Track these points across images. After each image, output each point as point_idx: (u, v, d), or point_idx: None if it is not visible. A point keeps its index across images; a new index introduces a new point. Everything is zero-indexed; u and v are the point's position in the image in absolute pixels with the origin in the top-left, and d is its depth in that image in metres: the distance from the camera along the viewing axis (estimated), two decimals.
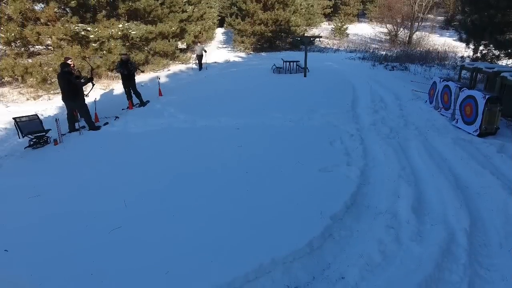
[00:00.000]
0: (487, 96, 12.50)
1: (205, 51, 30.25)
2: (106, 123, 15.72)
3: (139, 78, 24.22)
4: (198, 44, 30.83)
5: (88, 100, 15.29)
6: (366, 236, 7.49)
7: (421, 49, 36.93)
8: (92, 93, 17.44)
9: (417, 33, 46.52)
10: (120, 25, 24.10)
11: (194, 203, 8.60)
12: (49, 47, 23.12)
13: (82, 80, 15.00)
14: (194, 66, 31.11)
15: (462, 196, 8.86)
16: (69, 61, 14.94)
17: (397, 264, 6.60)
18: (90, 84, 15.68)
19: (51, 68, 21.30)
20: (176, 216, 8.08)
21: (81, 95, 14.79)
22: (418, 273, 6.34)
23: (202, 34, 38.78)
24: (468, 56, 23.06)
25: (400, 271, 6.43)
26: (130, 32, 24.84)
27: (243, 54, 38.39)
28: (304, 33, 42.04)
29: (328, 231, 7.46)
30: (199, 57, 29.95)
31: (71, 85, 14.33)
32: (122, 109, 17.84)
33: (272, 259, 6.49)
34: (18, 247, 7.20)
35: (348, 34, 53.01)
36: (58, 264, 6.61)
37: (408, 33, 46.56)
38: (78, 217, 8.19)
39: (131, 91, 18.35)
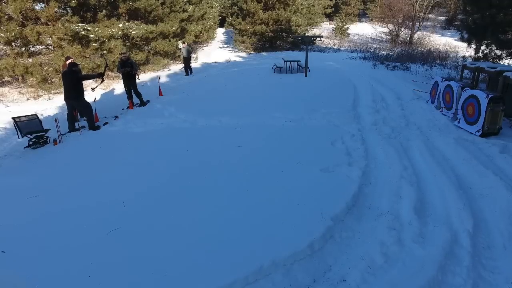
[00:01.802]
0: (489, 96, 12.40)
1: (189, 54, 28.27)
2: (106, 123, 15.68)
3: (140, 78, 24.21)
4: (183, 45, 28.41)
5: (89, 98, 15.25)
6: (367, 237, 7.39)
7: (423, 49, 36.87)
8: (92, 93, 17.42)
9: (418, 33, 46.53)
10: (121, 25, 24.06)
11: (193, 204, 8.53)
12: (50, 47, 23.14)
13: (91, 73, 15.05)
14: (181, 71, 29.18)
15: (465, 196, 8.78)
16: (69, 61, 14.96)
17: (399, 267, 6.51)
18: (99, 80, 15.71)
19: (51, 68, 21.31)
20: (175, 217, 8.00)
21: (83, 95, 14.75)
22: (421, 275, 6.25)
23: (203, 33, 38.74)
24: (470, 56, 23.01)
25: (402, 273, 6.33)
26: (131, 32, 24.80)
27: (243, 54, 38.36)
28: (305, 33, 42.01)
29: (329, 233, 7.37)
30: (186, 60, 27.96)
31: (75, 83, 14.36)
32: (122, 109, 17.80)
33: (272, 261, 6.40)
34: (15, 248, 7.13)
35: (349, 34, 53.01)
36: (55, 266, 6.53)
37: (409, 33, 46.52)
38: (77, 218, 8.13)
39: (132, 90, 18.28)
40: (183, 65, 28.59)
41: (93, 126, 14.97)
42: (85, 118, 15.11)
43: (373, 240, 7.26)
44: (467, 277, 6.31)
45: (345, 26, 52.74)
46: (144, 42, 27.82)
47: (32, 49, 22.93)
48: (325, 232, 7.28)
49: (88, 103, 14.94)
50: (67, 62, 15.05)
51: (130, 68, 17.82)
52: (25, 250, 7.04)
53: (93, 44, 22.83)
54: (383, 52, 36.23)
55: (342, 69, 27.13)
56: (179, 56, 29.17)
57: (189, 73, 28.14)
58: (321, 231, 7.25)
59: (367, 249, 7.01)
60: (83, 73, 18.05)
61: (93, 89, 16.00)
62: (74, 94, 14.53)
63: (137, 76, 18.90)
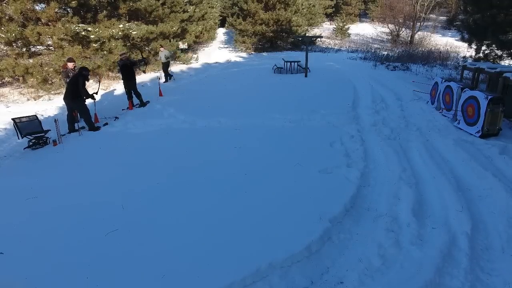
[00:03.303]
0: (489, 97, 12.38)
1: (168, 58, 25.62)
2: (106, 124, 15.74)
3: (140, 78, 24.23)
4: (162, 49, 25.79)
5: (88, 100, 15.26)
6: (365, 239, 7.38)
7: (423, 49, 36.81)
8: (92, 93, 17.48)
9: (419, 33, 46.45)
10: (121, 25, 24.01)
11: (192, 207, 8.53)
12: (50, 47, 23.11)
13: (90, 93, 15.04)
14: (161, 79, 24.36)
15: (464, 198, 8.77)
16: (71, 63, 15.01)
17: (396, 269, 6.51)
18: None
19: (51, 69, 21.26)
20: (174, 219, 8.01)
21: (81, 98, 14.72)
22: (418, 278, 6.24)
23: (204, 34, 38.71)
24: (471, 56, 22.98)
25: (400, 275, 6.33)
26: (131, 32, 24.75)
27: (244, 54, 38.29)
28: (305, 33, 41.99)
29: (327, 235, 7.37)
30: (165, 65, 25.64)
31: (76, 86, 14.32)
32: (122, 110, 17.84)
33: (269, 263, 6.41)
34: (14, 249, 7.14)
35: (350, 34, 52.90)
36: (53, 267, 6.54)
37: (410, 33, 46.47)
38: (75, 219, 8.15)
39: (132, 91, 18.27)
40: (162, 70, 26.34)
41: (93, 127, 15.03)
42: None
43: (371, 242, 7.26)
44: (464, 279, 6.29)
45: (346, 26, 52.64)
46: (145, 43, 27.79)
47: (32, 49, 22.90)
48: (323, 234, 7.28)
49: (84, 104, 14.98)
50: (69, 63, 15.11)
51: (143, 60, 18.08)
52: (23, 251, 7.04)
53: (94, 44, 22.79)
54: (384, 52, 36.23)
55: (342, 70, 27.14)
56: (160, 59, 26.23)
57: (168, 79, 25.87)
58: (319, 232, 7.25)
59: (365, 251, 7.01)
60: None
61: (96, 93, 15.94)
62: (71, 95, 14.54)
63: (145, 66, 19.03)
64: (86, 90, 14.82)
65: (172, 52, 27.32)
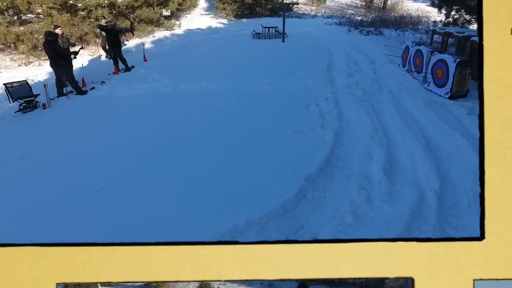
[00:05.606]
0: (457, 60, 12.30)
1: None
2: (93, 88, 15.50)
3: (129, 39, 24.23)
4: (104, 21, 19.26)
5: (75, 65, 15.12)
6: (338, 197, 7.31)
7: (396, 15, 36.52)
8: (80, 59, 17.25)
9: None
10: None
11: (173, 166, 8.44)
12: (40, 16, 22.94)
13: (71, 51, 14.93)
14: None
15: (433, 157, 8.71)
16: (58, 29, 14.90)
17: (368, 225, 6.43)
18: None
19: (41, 36, 21.03)
20: (156, 178, 7.94)
21: (67, 61, 14.62)
22: (388, 233, 6.16)
23: (186, 1, 38.22)
24: (441, 21, 22.89)
25: (370, 231, 6.25)
26: (117, 1, 24.48)
27: (225, 21, 37.70)
28: (283, 0, 41.72)
29: (302, 193, 7.28)
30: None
31: (56, 52, 14.10)
32: (108, 74, 17.50)
33: (247, 220, 6.34)
34: (0, 210, 6.98)
35: (325, 0, 52.47)
36: (40, 227, 6.40)
37: None
38: (63, 178, 8.08)
39: (117, 57, 18.01)
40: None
41: (80, 91, 14.86)
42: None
43: (343, 200, 7.19)
44: (432, 235, 6.21)
45: None
46: (130, 10, 27.48)
47: (23, 17, 22.84)
48: (298, 192, 7.22)
49: (70, 69, 14.99)
50: (56, 30, 14.97)
51: (132, 30, 18.45)
52: (9, 212, 6.90)
53: (81, 12, 22.59)
54: (358, 18, 35.84)
55: (318, 35, 26.83)
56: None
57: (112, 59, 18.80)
58: (294, 191, 7.20)
59: (338, 208, 6.93)
60: (71, 41, 17.88)
61: (75, 56, 15.69)
62: (56, 61, 14.44)
63: (132, 35, 19.19)
64: (67, 49, 14.87)
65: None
